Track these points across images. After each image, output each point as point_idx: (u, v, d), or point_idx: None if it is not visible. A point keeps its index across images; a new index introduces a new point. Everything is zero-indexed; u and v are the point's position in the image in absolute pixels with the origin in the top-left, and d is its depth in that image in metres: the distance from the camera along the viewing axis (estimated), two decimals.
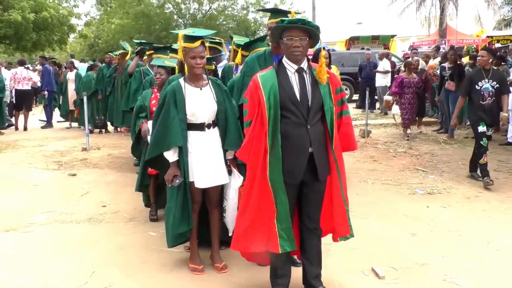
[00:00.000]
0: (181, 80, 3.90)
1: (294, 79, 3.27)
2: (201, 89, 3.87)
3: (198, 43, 3.77)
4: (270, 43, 4.23)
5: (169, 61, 5.42)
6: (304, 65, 3.30)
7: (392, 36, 23.50)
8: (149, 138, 4.44)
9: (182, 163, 3.83)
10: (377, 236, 4.78)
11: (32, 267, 4.22)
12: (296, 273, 3.60)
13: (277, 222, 3.27)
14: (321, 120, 3.30)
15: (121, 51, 11.11)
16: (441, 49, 16.09)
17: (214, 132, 3.91)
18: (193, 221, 3.89)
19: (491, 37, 20.51)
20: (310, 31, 3.20)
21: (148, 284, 3.87)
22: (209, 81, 3.95)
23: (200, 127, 3.85)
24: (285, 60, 3.32)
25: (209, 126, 3.88)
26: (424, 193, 6.33)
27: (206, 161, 3.85)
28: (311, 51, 3.65)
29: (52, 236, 4.99)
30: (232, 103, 4.01)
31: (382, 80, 14.62)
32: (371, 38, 23.20)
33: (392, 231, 4.92)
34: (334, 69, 6.82)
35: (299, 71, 3.28)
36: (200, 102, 3.84)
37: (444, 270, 3.98)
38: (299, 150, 3.25)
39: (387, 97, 11.38)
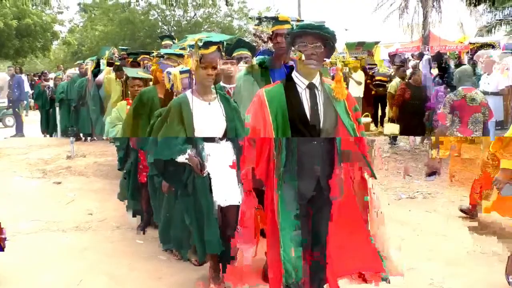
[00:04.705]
0: (188, 93, 3.51)
1: (304, 96, 2.89)
2: (209, 103, 3.49)
3: (212, 49, 3.41)
4: (273, 50, 3.84)
5: (144, 71, 5.43)
6: (316, 80, 2.91)
7: (376, 43, 23.67)
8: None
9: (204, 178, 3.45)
10: None
11: (18, 276, 4.17)
12: None
13: (283, 252, 2.86)
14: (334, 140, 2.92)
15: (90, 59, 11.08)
16: (425, 56, 16.24)
17: (226, 145, 3.54)
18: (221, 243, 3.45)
19: (473, 43, 20.81)
20: (325, 39, 2.81)
21: None
22: (218, 95, 3.57)
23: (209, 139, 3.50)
24: (295, 74, 2.93)
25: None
26: (409, 198, 6.39)
27: (218, 177, 3.47)
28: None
29: (38, 244, 4.94)
30: (242, 122, 3.47)
31: (354, 90, 13.94)
32: (356, 45, 23.38)
33: None
34: None
35: (311, 87, 2.90)
36: (209, 118, 3.46)
37: (430, 274, 4.03)
38: (308, 170, 2.91)
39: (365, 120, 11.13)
